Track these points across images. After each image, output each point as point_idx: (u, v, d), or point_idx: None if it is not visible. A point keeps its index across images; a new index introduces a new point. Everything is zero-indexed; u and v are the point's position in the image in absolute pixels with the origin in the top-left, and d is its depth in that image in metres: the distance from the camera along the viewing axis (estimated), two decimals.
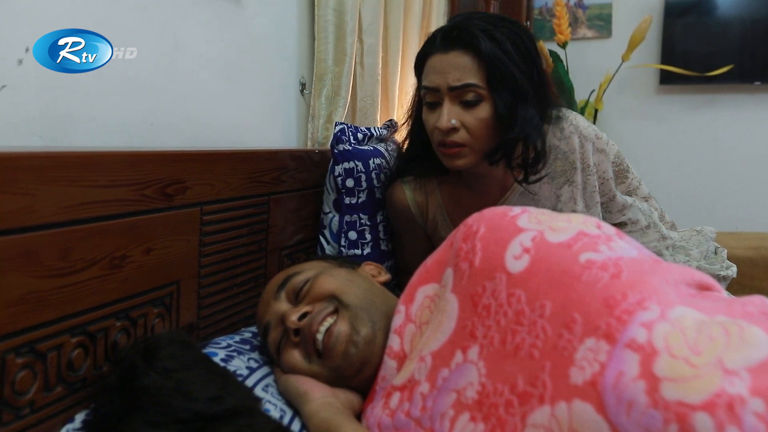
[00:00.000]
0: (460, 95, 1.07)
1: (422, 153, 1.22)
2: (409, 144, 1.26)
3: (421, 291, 0.84)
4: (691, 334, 0.58)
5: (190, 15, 1.09)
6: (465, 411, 0.67)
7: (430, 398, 0.71)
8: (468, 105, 1.07)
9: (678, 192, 3.37)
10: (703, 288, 0.70)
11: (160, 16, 1.01)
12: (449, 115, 1.07)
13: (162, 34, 1.02)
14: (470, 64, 1.07)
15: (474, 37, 1.06)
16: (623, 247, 0.73)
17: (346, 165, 1.28)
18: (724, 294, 0.71)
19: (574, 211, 1.19)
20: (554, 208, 1.19)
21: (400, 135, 1.32)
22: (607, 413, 0.56)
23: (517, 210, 0.79)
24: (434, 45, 1.11)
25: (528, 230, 0.74)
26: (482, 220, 0.79)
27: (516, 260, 0.71)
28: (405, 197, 1.26)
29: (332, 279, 0.88)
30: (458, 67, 1.07)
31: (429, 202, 1.25)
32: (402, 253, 1.36)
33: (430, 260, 0.85)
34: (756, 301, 0.66)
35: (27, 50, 0.78)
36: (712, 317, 0.61)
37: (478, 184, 1.22)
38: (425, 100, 1.13)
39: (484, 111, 1.07)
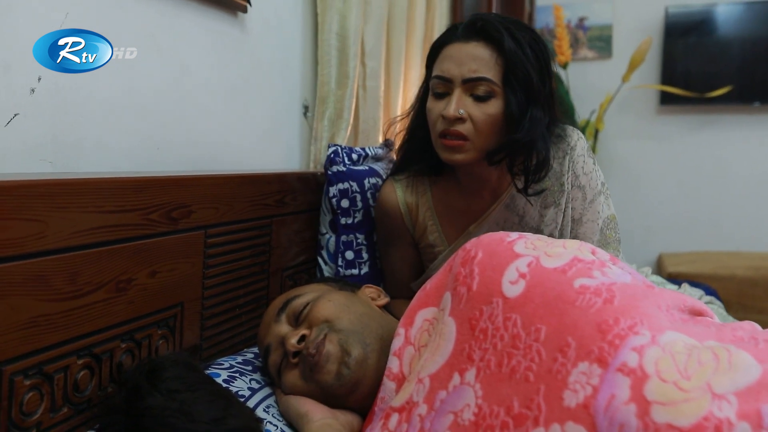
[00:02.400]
0: (472, 88, 1.06)
1: (419, 149, 1.20)
2: (407, 138, 1.24)
3: (421, 314, 0.86)
4: (681, 358, 0.60)
5: (195, 41, 1.12)
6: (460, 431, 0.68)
7: (428, 420, 0.73)
8: (478, 99, 1.07)
9: (678, 212, 3.39)
10: (695, 313, 0.72)
11: (166, 43, 1.04)
12: (458, 105, 1.06)
13: (169, 60, 1.05)
14: (489, 57, 1.06)
15: (498, 31, 1.06)
16: (617, 272, 0.75)
17: (340, 186, 1.30)
18: (716, 319, 0.73)
19: (552, 235, 1.18)
20: (537, 228, 1.18)
21: (402, 125, 1.29)
22: None
23: (514, 236, 0.82)
24: (455, 34, 1.10)
25: (524, 256, 0.76)
26: (480, 246, 0.81)
27: (512, 285, 0.74)
28: (395, 196, 1.23)
29: (330, 304, 0.90)
30: (476, 59, 1.06)
31: (419, 203, 1.23)
32: (391, 268, 1.29)
33: (429, 284, 0.87)
34: (746, 326, 0.68)
35: (39, 80, 0.81)
36: (702, 342, 0.62)
37: (472, 185, 1.20)
38: (434, 90, 1.11)
39: (493, 107, 1.07)
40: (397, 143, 1.33)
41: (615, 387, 0.59)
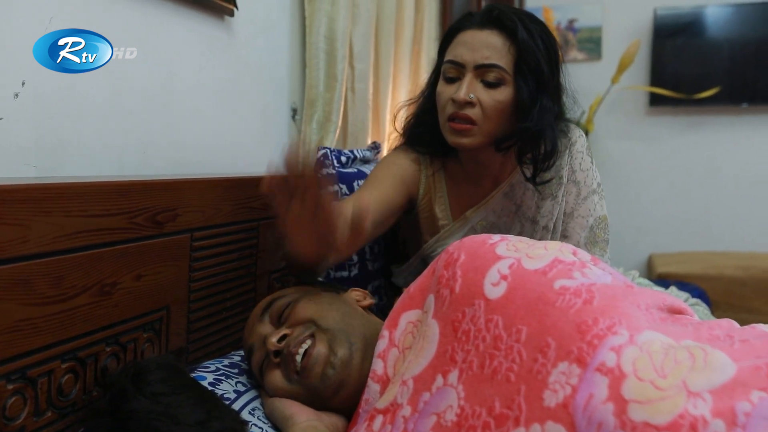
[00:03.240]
0: (484, 74, 1.09)
1: (427, 133, 1.22)
2: (414, 122, 1.26)
3: (405, 317, 0.86)
4: (658, 357, 0.61)
5: (182, 45, 1.12)
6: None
7: (411, 421, 0.73)
8: (489, 85, 1.09)
9: (668, 212, 3.41)
10: (674, 312, 0.73)
11: (153, 47, 1.04)
12: (468, 89, 1.09)
13: (155, 64, 1.06)
14: (502, 45, 1.09)
15: (512, 21, 1.09)
16: (597, 273, 0.76)
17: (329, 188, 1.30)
18: (696, 317, 0.74)
19: (547, 226, 1.20)
20: (533, 219, 1.20)
21: (409, 110, 1.30)
22: None
23: (496, 238, 0.83)
24: (470, 20, 1.13)
25: (506, 258, 0.77)
26: (462, 248, 0.82)
27: (494, 287, 0.75)
28: (417, 159, 1.24)
29: (312, 304, 0.90)
30: (489, 46, 1.09)
31: (435, 172, 1.25)
32: (369, 195, 1.15)
33: (413, 287, 0.88)
34: (723, 324, 0.69)
35: (23, 84, 0.81)
36: (678, 342, 0.64)
37: (475, 172, 1.23)
38: (446, 75, 1.14)
39: (502, 94, 1.09)
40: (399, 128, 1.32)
41: (593, 387, 0.60)
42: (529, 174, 1.15)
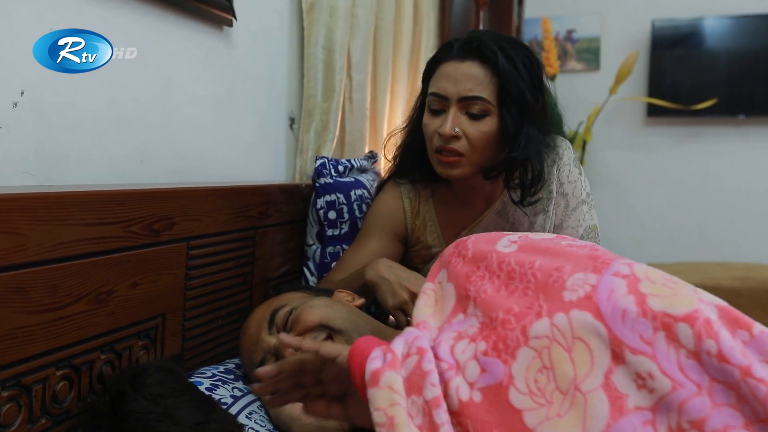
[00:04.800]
0: (468, 106, 1.10)
1: (416, 160, 1.24)
2: (404, 150, 1.27)
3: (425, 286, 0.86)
4: (666, 274, 0.65)
5: (180, 55, 1.13)
6: (463, 338, 0.69)
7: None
8: (473, 117, 1.10)
9: (665, 222, 3.42)
10: None
11: (151, 56, 1.05)
12: (453, 123, 1.09)
13: (153, 73, 1.07)
14: (484, 76, 1.09)
15: (492, 51, 1.09)
16: (601, 248, 0.77)
17: (327, 198, 1.31)
18: None
19: None
20: None
21: (396, 140, 1.33)
22: (605, 318, 0.61)
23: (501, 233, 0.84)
24: (450, 52, 1.13)
25: (513, 235, 0.80)
26: (470, 237, 0.84)
27: (505, 248, 0.77)
28: (400, 193, 1.26)
29: (315, 309, 0.91)
30: (471, 78, 1.09)
31: (421, 205, 1.27)
32: (353, 261, 1.21)
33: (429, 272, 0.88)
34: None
35: (22, 93, 0.82)
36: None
37: (466, 194, 1.24)
38: (430, 106, 1.15)
39: (487, 125, 1.10)
40: (389, 157, 1.35)
41: (613, 284, 0.63)
42: (516, 198, 1.17)
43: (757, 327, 0.59)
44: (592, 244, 0.73)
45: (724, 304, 0.62)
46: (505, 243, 0.77)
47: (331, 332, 0.89)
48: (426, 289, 0.83)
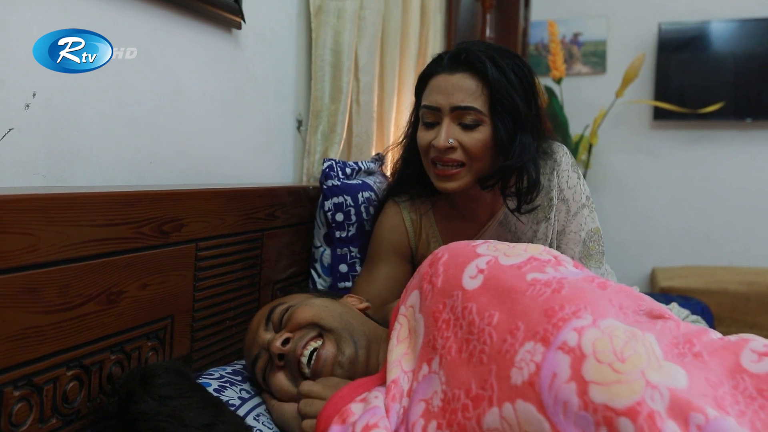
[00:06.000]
0: (461, 116, 1.10)
1: (414, 174, 1.24)
2: (402, 164, 1.28)
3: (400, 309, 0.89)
4: (619, 342, 0.63)
5: (189, 57, 1.14)
6: (433, 419, 0.71)
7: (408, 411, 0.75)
8: (466, 127, 1.10)
9: (671, 226, 3.41)
10: (653, 316, 0.73)
11: (160, 58, 1.06)
12: (447, 134, 1.09)
13: (163, 75, 1.07)
14: (475, 87, 1.10)
15: (481, 62, 1.09)
16: (572, 271, 0.78)
17: (335, 200, 1.32)
18: (682, 324, 0.72)
19: None
20: (530, 243, 1.20)
21: (394, 155, 1.33)
22: (547, 412, 0.61)
23: (479, 242, 0.86)
24: (440, 65, 1.14)
25: (485, 255, 0.81)
26: (447, 249, 0.86)
27: (471, 279, 0.78)
28: (400, 214, 1.26)
29: (309, 308, 0.93)
30: (462, 89, 1.10)
31: (423, 221, 1.26)
32: (370, 289, 1.23)
33: (408, 285, 0.90)
34: (704, 338, 0.68)
35: (34, 95, 0.83)
36: (643, 333, 0.65)
37: (467, 207, 1.24)
38: (423, 120, 1.15)
39: (481, 133, 1.10)
40: (389, 169, 1.35)
41: (556, 365, 0.62)
42: (513, 206, 1.17)
43: (711, 412, 0.56)
44: (558, 279, 0.72)
45: (680, 386, 0.58)
46: (472, 272, 0.78)
47: (322, 330, 0.90)
48: (399, 315, 0.86)
